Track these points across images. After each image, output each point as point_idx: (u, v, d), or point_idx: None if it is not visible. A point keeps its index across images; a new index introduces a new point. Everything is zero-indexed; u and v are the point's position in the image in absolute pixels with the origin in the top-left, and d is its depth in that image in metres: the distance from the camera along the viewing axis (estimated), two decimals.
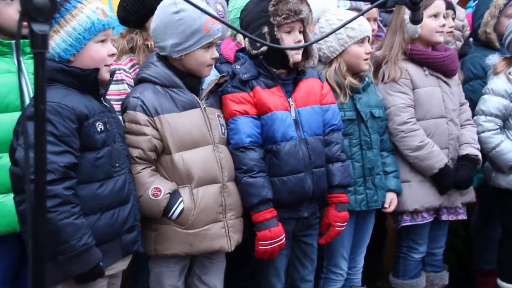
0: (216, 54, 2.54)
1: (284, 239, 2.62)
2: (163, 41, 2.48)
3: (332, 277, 3.10)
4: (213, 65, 2.67)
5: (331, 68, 2.98)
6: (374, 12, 3.46)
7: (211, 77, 2.62)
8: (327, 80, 2.94)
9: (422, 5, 1.53)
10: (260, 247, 2.60)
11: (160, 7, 2.50)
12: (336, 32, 2.93)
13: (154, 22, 2.52)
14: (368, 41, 3.01)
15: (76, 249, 2.06)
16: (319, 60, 3.04)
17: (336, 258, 3.06)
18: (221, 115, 2.63)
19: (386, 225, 3.36)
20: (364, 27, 2.97)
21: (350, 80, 2.96)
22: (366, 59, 2.98)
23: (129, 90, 2.65)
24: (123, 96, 2.60)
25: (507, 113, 3.34)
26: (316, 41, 2.75)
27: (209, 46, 2.49)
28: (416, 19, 1.60)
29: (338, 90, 2.94)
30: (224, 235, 2.50)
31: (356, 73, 3.01)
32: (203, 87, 2.59)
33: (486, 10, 3.59)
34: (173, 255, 2.49)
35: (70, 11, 2.15)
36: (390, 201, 3.10)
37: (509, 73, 3.33)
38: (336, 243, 3.01)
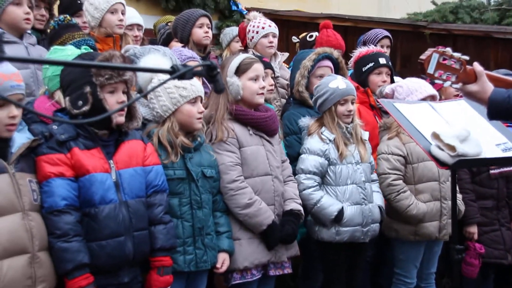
0: (15, 113, 2.39)
1: None
2: None
3: None
4: (27, 128, 2.53)
5: (164, 127, 2.98)
6: None
7: (23, 139, 2.47)
8: (159, 139, 2.93)
9: (220, 76, 1.60)
10: None
11: None
12: (169, 91, 2.98)
13: None
14: (201, 101, 3.06)
15: None
16: (149, 121, 3.02)
17: None
18: (34, 180, 2.49)
19: (215, 283, 3.35)
20: (196, 87, 3.03)
21: (182, 139, 2.98)
22: (199, 118, 3.03)
23: None
24: None
25: (324, 170, 3.56)
26: (132, 102, 2.70)
27: (3, 104, 2.35)
28: (217, 89, 1.66)
29: (169, 149, 2.94)
30: None
31: (189, 132, 3.04)
32: (12, 151, 2.43)
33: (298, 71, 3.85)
34: None
35: None
36: (223, 262, 3.11)
37: (321, 133, 3.58)
38: None
